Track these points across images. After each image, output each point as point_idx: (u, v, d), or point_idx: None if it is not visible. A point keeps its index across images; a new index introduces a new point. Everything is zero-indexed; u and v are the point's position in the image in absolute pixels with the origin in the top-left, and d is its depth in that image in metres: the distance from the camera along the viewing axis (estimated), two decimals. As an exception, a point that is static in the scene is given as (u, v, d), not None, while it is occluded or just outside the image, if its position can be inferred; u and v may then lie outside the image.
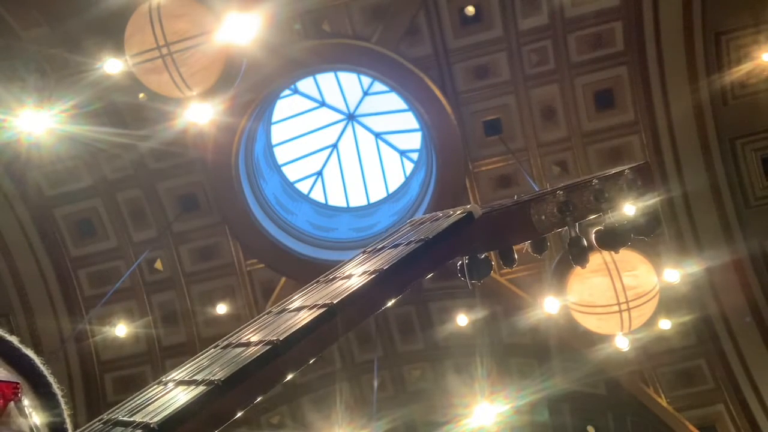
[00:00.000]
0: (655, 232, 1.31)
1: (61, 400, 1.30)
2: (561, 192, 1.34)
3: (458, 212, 1.37)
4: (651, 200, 1.34)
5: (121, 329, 10.85)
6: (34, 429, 1.12)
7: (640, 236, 1.33)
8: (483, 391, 10.34)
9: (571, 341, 10.06)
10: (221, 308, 10.86)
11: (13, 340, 1.30)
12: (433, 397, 11.43)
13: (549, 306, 8.79)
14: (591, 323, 8.03)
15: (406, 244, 1.28)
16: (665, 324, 9.77)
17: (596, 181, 1.33)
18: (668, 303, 9.26)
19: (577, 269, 7.75)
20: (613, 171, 1.36)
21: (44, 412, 1.25)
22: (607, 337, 8.74)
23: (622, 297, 7.56)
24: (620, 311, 7.60)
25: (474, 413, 9.82)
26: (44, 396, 1.27)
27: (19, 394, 1.10)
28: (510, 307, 10.41)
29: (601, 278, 7.59)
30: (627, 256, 7.70)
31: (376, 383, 10.45)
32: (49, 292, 10.78)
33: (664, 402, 10.22)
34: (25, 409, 1.11)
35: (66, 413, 1.29)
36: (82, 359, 10.91)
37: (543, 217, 1.34)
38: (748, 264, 9.74)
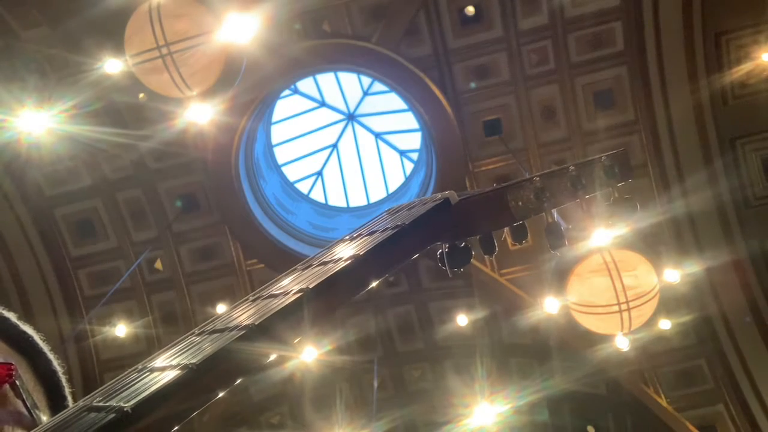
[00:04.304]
0: (632, 217, 1.32)
1: (62, 377, 1.29)
2: (538, 178, 1.35)
3: (434, 199, 1.38)
4: (628, 186, 1.35)
5: (121, 329, 10.86)
6: (33, 409, 1.11)
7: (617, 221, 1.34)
8: (483, 391, 10.33)
9: (571, 341, 10.05)
10: (221, 308, 10.86)
11: (11, 316, 1.29)
12: (433, 397, 11.43)
13: (549, 306, 8.80)
14: (591, 323, 8.02)
15: (382, 231, 1.29)
16: (665, 324, 9.77)
17: (573, 167, 1.35)
18: (668, 303, 9.27)
19: (578, 269, 7.75)
20: (591, 158, 1.37)
21: (44, 389, 1.24)
22: (607, 337, 8.74)
23: (622, 297, 7.55)
24: (620, 311, 7.59)
25: (474, 413, 9.82)
26: (44, 374, 1.26)
27: (14, 376, 1.09)
28: (510, 307, 10.40)
29: (601, 278, 7.58)
30: (627, 256, 7.70)
31: (376, 383, 10.45)
32: (49, 292, 10.80)
33: (664, 402, 10.21)
34: (20, 389, 1.10)
35: (67, 390, 1.27)
36: (81, 359, 10.92)
37: (520, 203, 1.35)
38: (748, 264, 9.73)
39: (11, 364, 1.10)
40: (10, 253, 10.65)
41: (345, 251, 1.25)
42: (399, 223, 1.29)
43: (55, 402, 1.24)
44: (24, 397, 1.11)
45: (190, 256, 10.93)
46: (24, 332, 1.27)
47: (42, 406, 1.19)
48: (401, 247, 1.28)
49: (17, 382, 1.10)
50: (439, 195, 1.38)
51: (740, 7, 9.17)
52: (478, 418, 9.74)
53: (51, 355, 1.29)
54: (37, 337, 1.29)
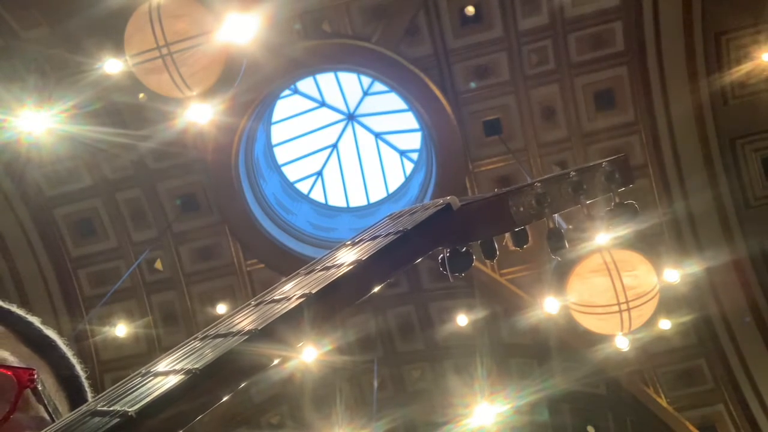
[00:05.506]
0: (633, 222, 1.33)
1: (85, 382, 1.28)
2: (539, 184, 1.36)
3: (436, 204, 1.39)
4: (628, 191, 1.36)
5: (121, 329, 10.86)
6: (54, 414, 1.11)
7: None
8: (483, 391, 10.34)
9: (571, 341, 10.06)
10: (221, 308, 10.87)
11: (35, 320, 1.28)
12: (433, 398, 11.44)
13: (549, 306, 8.80)
14: (591, 323, 8.02)
15: (385, 236, 1.30)
16: (665, 324, 9.78)
17: (574, 173, 1.35)
18: (668, 303, 9.26)
19: (577, 269, 7.75)
20: (591, 163, 1.38)
21: (66, 394, 1.24)
22: (607, 337, 8.74)
23: (622, 297, 7.54)
24: (620, 311, 7.58)
25: (474, 413, 9.84)
26: (67, 378, 1.25)
27: (36, 381, 1.09)
28: (510, 307, 10.41)
29: (601, 278, 7.57)
30: (627, 256, 7.70)
31: (376, 383, 10.47)
32: (49, 292, 10.80)
33: (664, 402, 10.22)
34: (42, 394, 1.11)
35: (90, 395, 1.27)
36: (81, 359, 10.81)
37: (521, 209, 1.35)
38: (748, 264, 9.74)
39: (33, 370, 1.09)
40: (10, 253, 10.65)
41: (347, 256, 1.26)
42: (401, 228, 1.29)
43: (78, 406, 1.24)
44: (45, 402, 1.11)
45: (190, 256, 10.93)
46: (47, 336, 1.27)
47: (64, 411, 1.18)
48: (403, 252, 1.28)
49: (39, 387, 1.10)
50: (440, 200, 1.38)
51: (740, 7, 9.17)
52: (478, 418, 9.76)
53: (74, 360, 1.29)
54: (60, 341, 1.29)
